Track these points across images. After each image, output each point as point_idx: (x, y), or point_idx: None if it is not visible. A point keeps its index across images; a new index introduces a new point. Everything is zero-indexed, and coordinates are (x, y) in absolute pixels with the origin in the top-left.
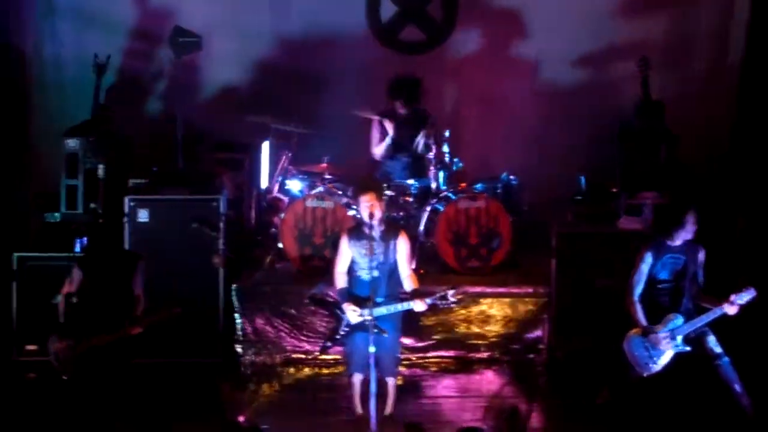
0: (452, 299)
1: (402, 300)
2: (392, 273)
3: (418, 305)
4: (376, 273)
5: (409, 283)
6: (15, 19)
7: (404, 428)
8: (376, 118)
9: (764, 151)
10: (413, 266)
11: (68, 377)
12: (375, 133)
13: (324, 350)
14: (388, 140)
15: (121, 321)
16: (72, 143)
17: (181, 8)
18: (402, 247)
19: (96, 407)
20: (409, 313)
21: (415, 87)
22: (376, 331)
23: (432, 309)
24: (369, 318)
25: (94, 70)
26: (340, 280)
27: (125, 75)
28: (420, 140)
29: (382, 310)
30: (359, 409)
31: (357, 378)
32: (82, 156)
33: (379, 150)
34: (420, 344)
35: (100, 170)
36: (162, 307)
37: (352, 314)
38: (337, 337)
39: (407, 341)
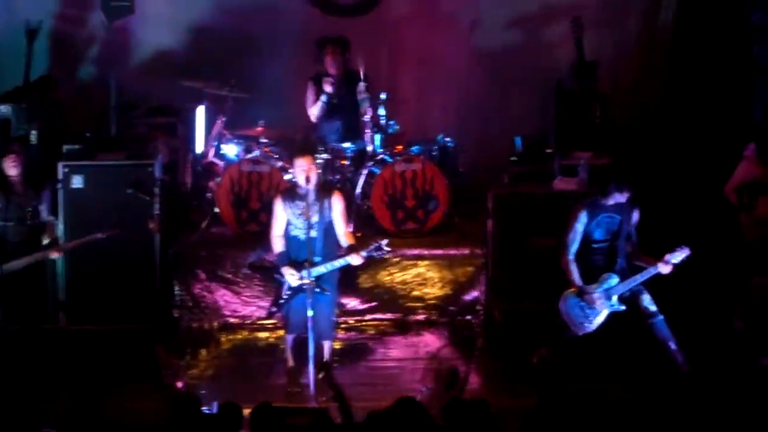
0: (386, 249)
1: (339, 257)
2: (328, 232)
3: (355, 259)
4: (312, 233)
5: (345, 240)
6: None
7: (316, 367)
8: (311, 81)
9: (694, 110)
10: (350, 227)
11: None
12: (309, 95)
13: (270, 315)
14: (323, 98)
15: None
16: (4, 109)
17: None
18: (337, 205)
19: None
20: (347, 274)
21: (342, 40)
22: (318, 290)
23: (368, 263)
24: (308, 281)
25: (26, 35)
26: (278, 244)
27: (57, 40)
28: (362, 94)
29: (320, 269)
30: (291, 362)
31: (290, 337)
32: (15, 122)
33: (315, 110)
34: (358, 307)
35: (32, 136)
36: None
37: (292, 277)
38: (281, 301)
39: (345, 302)
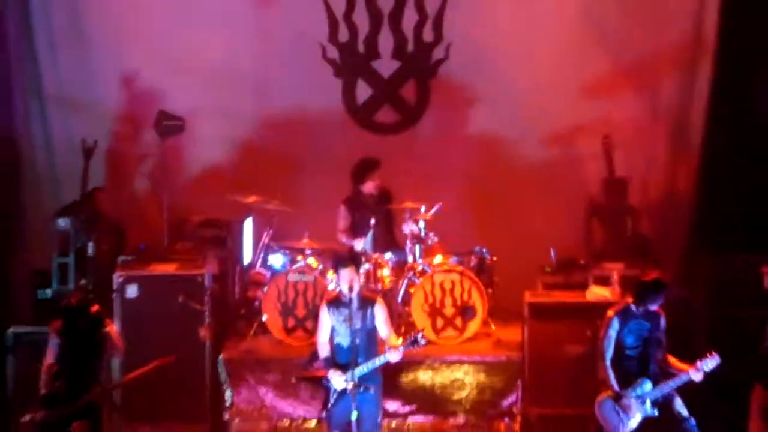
0: (423, 341)
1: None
2: (371, 337)
3: (393, 354)
4: (356, 339)
5: (392, 344)
6: (5, 102)
7: None
8: (344, 206)
9: (725, 224)
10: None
11: None
12: (341, 220)
13: (321, 421)
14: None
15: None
16: (63, 222)
17: (166, 92)
18: (379, 313)
19: None
20: (389, 378)
21: (378, 162)
22: (362, 390)
23: (410, 367)
24: (352, 383)
25: (83, 153)
26: (323, 350)
27: (112, 157)
28: (409, 225)
29: (362, 369)
30: None
31: None
32: (73, 235)
33: (343, 239)
34: (399, 410)
35: (90, 248)
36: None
37: (337, 380)
38: (330, 405)
39: (387, 405)
